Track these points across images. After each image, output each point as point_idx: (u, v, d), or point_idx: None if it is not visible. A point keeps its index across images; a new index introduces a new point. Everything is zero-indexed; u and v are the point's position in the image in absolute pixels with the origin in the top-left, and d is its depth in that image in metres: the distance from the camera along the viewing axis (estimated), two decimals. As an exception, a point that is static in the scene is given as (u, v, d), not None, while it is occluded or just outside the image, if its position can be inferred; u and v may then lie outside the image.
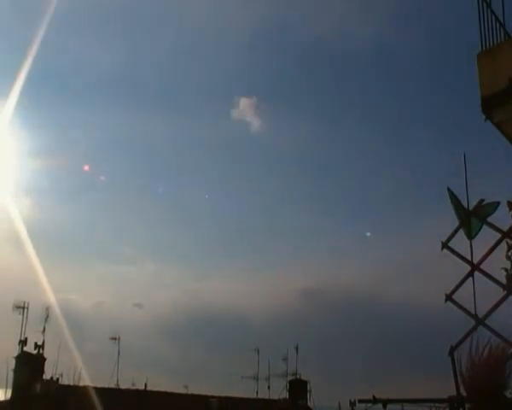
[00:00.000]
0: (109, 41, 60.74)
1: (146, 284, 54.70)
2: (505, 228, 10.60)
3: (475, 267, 10.76)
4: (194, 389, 26.95)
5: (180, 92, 67.45)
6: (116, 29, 60.23)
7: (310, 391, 28.19)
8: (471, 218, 11.12)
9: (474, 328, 10.29)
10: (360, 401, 11.43)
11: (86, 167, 51.24)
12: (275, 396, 28.31)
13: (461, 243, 11.18)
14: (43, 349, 23.00)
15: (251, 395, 27.94)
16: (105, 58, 60.70)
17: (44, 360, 23.06)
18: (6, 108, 23.78)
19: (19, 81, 23.65)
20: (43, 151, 47.68)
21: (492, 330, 9.55)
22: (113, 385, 24.96)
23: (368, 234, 53.66)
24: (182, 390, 26.52)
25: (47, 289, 24.56)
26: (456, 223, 11.29)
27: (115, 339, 26.24)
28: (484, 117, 8.94)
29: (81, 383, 22.12)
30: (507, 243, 10.43)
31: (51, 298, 24.56)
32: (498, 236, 10.66)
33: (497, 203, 11.03)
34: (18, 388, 21.48)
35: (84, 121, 57.57)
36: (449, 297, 10.90)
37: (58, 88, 60.84)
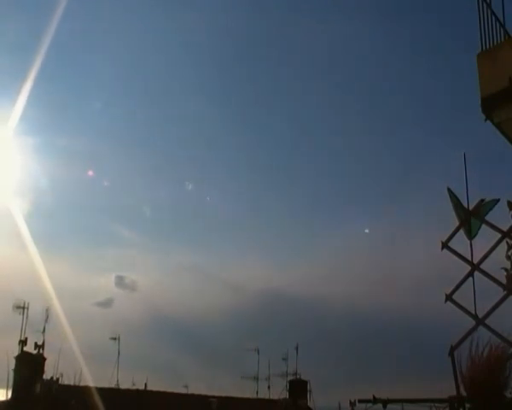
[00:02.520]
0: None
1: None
2: (505, 228, 10.61)
3: (475, 267, 10.76)
4: (195, 389, 27.00)
5: None
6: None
7: (310, 391, 28.23)
8: (471, 218, 11.13)
9: (474, 328, 10.30)
10: (360, 401, 11.44)
11: (90, 173, 51.34)
12: (275, 396, 28.34)
13: (461, 243, 11.20)
14: (43, 349, 23.00)
15: (251, 395, 27.98)
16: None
17: (44, 360, 23.07)
18: (14, 109, 23.75)
19: (27, 83, 23.65)
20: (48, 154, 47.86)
21: (492, 331, 9.56)
22: (113, 385, 25.00)
23: (366, 231, 53.53)
24: (182, 390, 26.58)
25: (47, 289, 24.59)
26: (456, 223, 11.29)
27: (115, 339, 26.27)
28: (484, 117, 8.95)
29: (81, 383, 22.18)
30: (507, 242, 10.44)
31: (52, 297, 24.60)
32: (498, 236, 10.67)
33: (497, 201, 11.04)
34: (18, 388, 21.48)
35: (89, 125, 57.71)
36: (449, 297, 10.91)
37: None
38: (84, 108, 57.29)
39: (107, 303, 43.87)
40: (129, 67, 61.16)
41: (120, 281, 48.90)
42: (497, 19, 9.03)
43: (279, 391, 28.36)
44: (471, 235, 11.16)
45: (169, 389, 26.38)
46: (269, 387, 28.38)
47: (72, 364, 22.45)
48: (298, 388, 28.05)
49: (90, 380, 22.20)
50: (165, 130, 60.40)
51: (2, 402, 21.19)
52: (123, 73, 61.13)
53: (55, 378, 22.66)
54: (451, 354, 10.08)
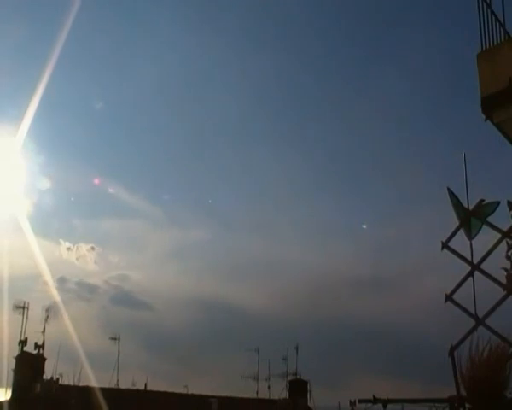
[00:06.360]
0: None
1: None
2: (505, 228, 10.60)
3: (475, 267, 10.75)
4: (195, 389, 26.99)
5: None
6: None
7: (310, 391, 28.23)
8: (471, 218, 11.11)
9: (474, 328, 10.28)
10: (360, 401, 11.44)
11: (96, 181, 51.86)
12: (275, 396, 28.33)
13: (461, 243, 11.18)
14: (43, 349, 22.99)
15: (251, 395, 27.97)
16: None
17: (44, 360, 23.04)
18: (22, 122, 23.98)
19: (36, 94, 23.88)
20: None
21: (492, 330, 9.54)
22: (113, 385, 24.98)
23: (364, 226, 53.92)
24: (182, 390, 26.57)
25: (49, 288, 24.59)
26: (456, 223, 11.27)
27: (115, 339, 26.26)
28: (484, 117, 8.93)
29: (81, 384, 22.17)
30: (507, 242, 10.41)
31: (54, 296, 24.60)
32: (498, 236, 10.65)
33: (497, 203, 11.01)
34: (18, 388, 21.45)
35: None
36: (449, 297, 10.88)
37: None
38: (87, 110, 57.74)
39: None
40: (133, 72, 61.26)
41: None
42: (497, 19, 9.03)
43: (279, 391, 28.38)
44: (471, 235, 11.14)
45: (169, 389, 26.42)
46: (269, 387, 28.40)
47: (71, 361, 22.48)
48: (298, 388, 28.05)
49: (91, 380, 22.23)
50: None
51: (2, 402, 21.18)
52: (126, 81, 61.25)
53: (54, 378, 22.68)
54: (451, 354, 10.06)
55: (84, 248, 53.65)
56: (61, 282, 45.21)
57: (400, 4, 67.45)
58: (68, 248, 52.84)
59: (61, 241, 53.80)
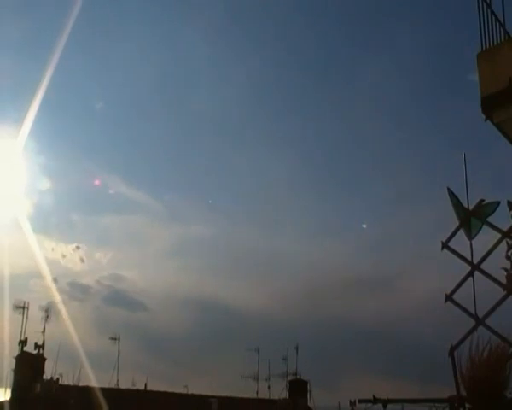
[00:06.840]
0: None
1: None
2: (505, 228, 10.58)
3: (475, 267, 10.74)
4: (194, 389, 26.96)
5: None
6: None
7: (310, 391, 28.20)
8: (471, 218, 11.10)
9: (474, 328, 10.27)
10: (360, 401, 11.42)
11: (97, 181, 52.05)
12: (275, 396, 28.30)
13: (461, 243, 11.17)
14: (43, 349, 22.96)
15: (251, 395, 27.93)
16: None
17: (44, 360, 23.01)
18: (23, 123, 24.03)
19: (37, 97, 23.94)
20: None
21: (492, 330, 9.53)
22: (113, 385, 24.95)
23: (364, 226, 54.17)
24: (182, 390, 26.53)
25: (48, 287, 24.58)
26: (456, 223, 11.26)
27: (115, 339, 26.23)
28: (484, 117, 8.92)
29: (81, 384, 22.15)
30: (507, 242, 10.40)
31: (53, 296, 24.58)
32: (498, 236, 10.63)
33: (497, 203, 11.00)
34: (18, 388, 21.43)
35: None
36: (449, 297, 10.87)
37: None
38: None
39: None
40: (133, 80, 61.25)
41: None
42: (497, 19, 9.02)
43: (279, 391, 28.35)
44: (471, 235, 11.12)
45: (169, 389, 26.40)
46: (269, 387, 28.37)
47: (71, 362, 22.47)
48: (298, 388, 28.02)
49: (90, 380, 22.22)
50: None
51: (2, 402, 21.15)
52: (126, 81, 61.22)
53: (54, 378, 22.65)
54: (451, 354, 10.05)
55: (83, 247, 53.63)
56: (55, 282, 44.92)
57: (400, 4, 67.50)
58: (65, 247, 52.72)
59: (60, 241, 53.73)
